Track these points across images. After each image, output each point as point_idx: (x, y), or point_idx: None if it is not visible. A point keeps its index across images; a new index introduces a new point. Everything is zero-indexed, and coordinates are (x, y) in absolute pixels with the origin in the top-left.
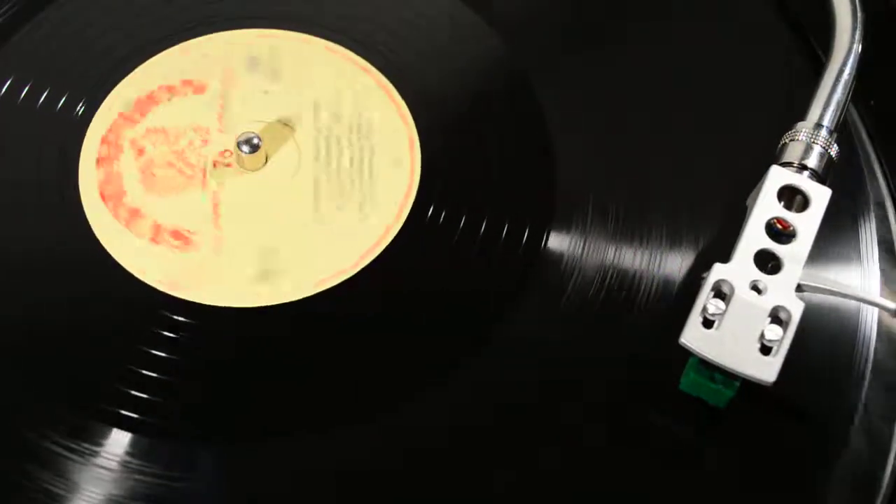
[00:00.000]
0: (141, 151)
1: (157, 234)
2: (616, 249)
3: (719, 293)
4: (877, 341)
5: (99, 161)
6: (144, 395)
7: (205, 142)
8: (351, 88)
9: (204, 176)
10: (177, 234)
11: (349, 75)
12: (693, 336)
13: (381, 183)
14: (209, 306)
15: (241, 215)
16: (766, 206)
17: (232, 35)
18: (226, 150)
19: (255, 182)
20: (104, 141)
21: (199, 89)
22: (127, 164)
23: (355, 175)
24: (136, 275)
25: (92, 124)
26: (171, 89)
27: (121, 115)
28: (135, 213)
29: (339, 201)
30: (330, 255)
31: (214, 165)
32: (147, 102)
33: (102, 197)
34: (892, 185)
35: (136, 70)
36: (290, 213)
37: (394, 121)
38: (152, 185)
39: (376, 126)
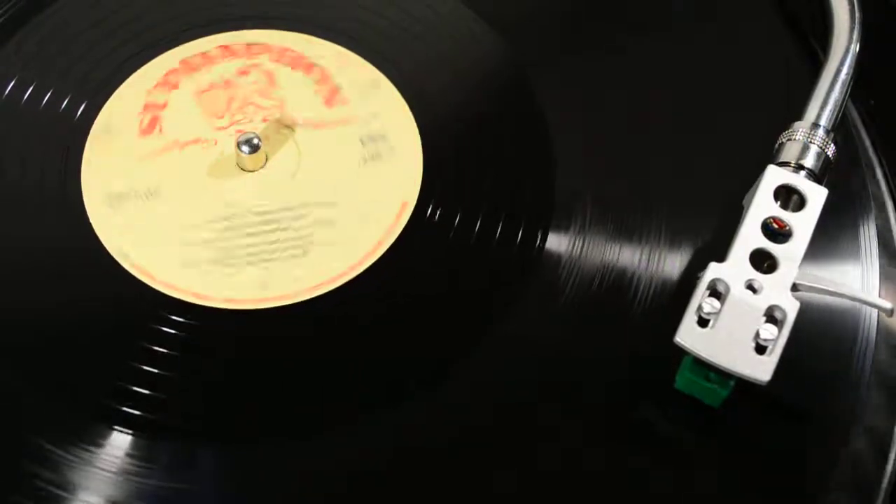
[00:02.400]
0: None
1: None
2: (615, 249)
3: (714, 292)
4: (877, 341)
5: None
6: (144, 396)
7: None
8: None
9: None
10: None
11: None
12: (688, 335)
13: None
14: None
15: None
16: (762, 205)
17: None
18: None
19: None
20: (224, 49)
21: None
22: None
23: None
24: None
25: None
26: (309, 66)
27: (278, 48)
28: (171, 85)
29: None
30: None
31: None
32: (295, 59)
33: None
34: (892, 185)
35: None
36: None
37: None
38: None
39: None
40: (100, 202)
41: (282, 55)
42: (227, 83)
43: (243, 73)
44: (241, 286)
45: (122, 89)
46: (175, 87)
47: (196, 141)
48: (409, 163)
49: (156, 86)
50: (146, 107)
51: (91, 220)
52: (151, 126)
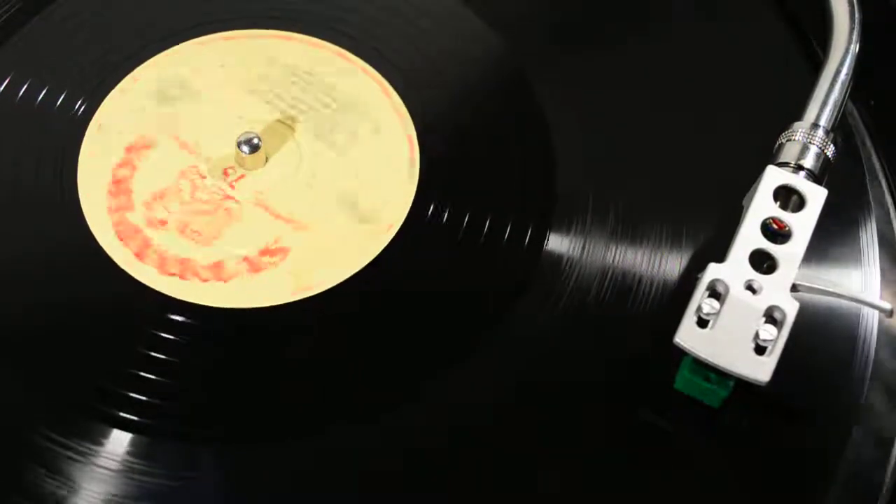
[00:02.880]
0: (163, 223)
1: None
2: (615, 249)
3: (714, 293)
4: (877, 341)
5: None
6: (145, 396)
7: (203, 177)
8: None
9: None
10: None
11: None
12: (687, 335)
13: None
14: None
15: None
16: (761, 206)
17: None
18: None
19: (253, 182)
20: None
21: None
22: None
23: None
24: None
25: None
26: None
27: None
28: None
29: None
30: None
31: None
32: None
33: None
34: (892, 185)
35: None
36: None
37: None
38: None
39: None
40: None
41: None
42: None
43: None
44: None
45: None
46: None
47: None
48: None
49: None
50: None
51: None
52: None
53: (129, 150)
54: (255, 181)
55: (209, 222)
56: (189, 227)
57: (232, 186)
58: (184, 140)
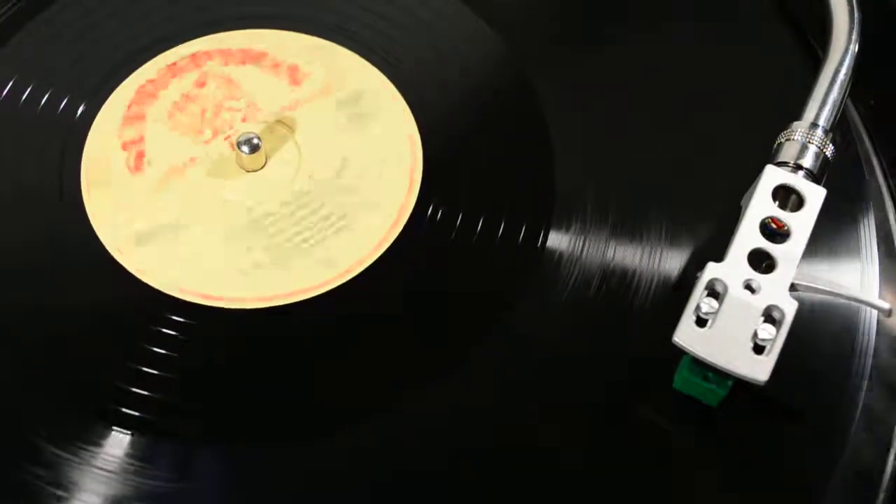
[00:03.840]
0: (202, 84)
1: (131, 144)
2: (615, 248)
3: (713, 292)
4: (877, 341)
5: (169, 67)
6: (145, 396)
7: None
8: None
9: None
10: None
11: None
12: (686, 335)
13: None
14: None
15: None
16: (760, 205)
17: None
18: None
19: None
20: (192, 58)
21: (295, 81)
22: (180, 84)
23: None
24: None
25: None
26: (276, 65)
27: (225, 51)
28: (139, 118)
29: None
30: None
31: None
32: (252, 57)
33: (138, 90)
34: (891, 185)
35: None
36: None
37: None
38: (172, 114)
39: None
40: (127, 242)
41: (228, 56)
42: (189, 98)
43: (200, 84)
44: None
45: (93, 133)
46: (142, 118)
47: (192, 161)
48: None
49: (123, 123)
50: (125, 146)
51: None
52: (139, 162)
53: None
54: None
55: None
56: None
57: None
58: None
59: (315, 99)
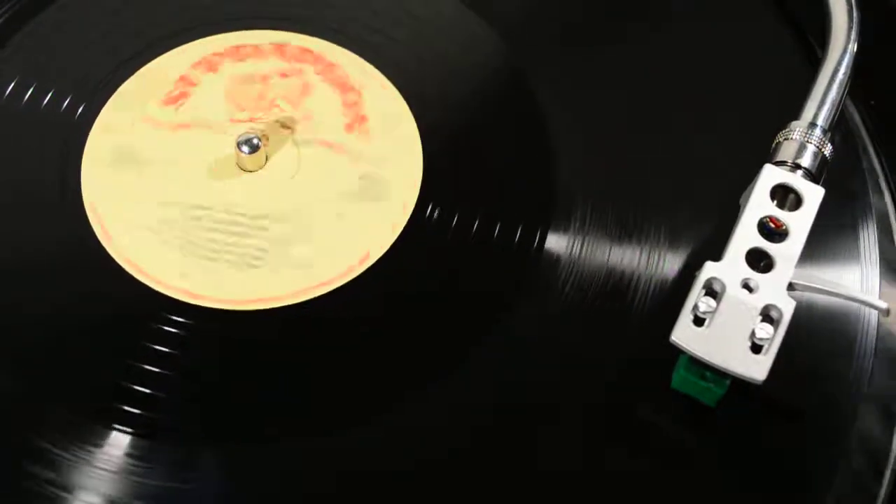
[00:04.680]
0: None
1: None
2: (614, 249)
3: (710, 291)
4: (876, 339)
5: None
6: (144, 396)
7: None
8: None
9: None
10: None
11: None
12: (683, 334)
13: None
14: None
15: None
16: (758, 204)
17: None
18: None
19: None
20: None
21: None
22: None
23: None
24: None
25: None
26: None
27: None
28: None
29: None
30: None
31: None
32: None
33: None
34: (891, 185)
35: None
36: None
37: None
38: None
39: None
40: (103, 162)
41: (328, 71)
42: (264, 79)
43: (284, 75)
44: (240, 286)
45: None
46: (214, 69)
47: (209, 127)
48: (410, 163)
49: (198, 63)
50: (181, 79)
51: (90, 220)
52: (176, 99)
53: None
54: (254, 182)
55: None
56: None
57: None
58: None
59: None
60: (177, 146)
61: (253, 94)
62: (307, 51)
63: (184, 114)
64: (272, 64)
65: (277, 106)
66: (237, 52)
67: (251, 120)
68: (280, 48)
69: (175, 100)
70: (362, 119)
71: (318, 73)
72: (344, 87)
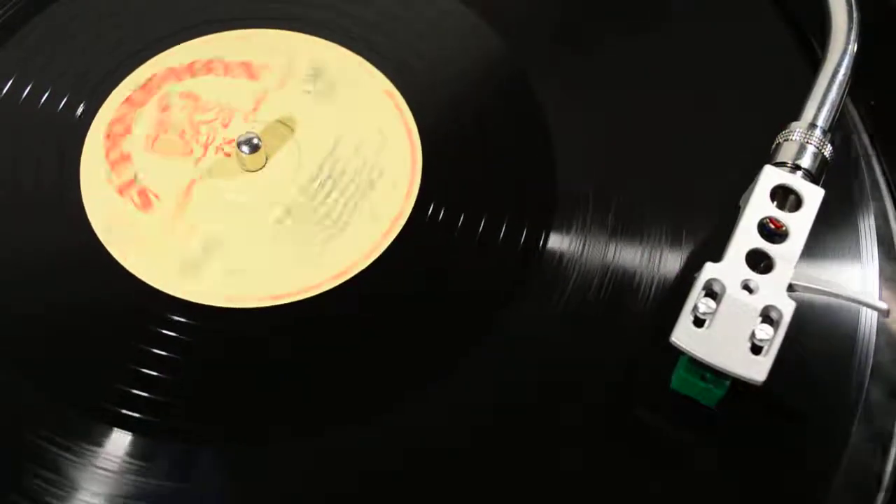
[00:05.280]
0: (165, 108)
1: (127, 186)
2: (615, 249)
3: (710, 292)
4: (877, 341)
5: (126, 101)
6: (145, 396)
7: (225, 125)
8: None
9: (203, 153)
10: (142, 193)
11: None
12: (683, 335)
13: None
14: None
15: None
16: (758, 205)
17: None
18: (231, 141)
19: (253, 182)
20: (143, 87)
21: (253, 76)
22: (147, 113)
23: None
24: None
25: (139, 70)
26: (227, 67)
27: (171, 69)
28: (125, 158)
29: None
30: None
31: (215, 151)
32: (202, 67)
33: (106, 134)
34: (892, 185)
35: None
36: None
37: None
38: (153, 144)
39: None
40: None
41: (179, 73)
42: (161, 123)
43: (165, 109)
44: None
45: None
46: (128, 159)
47: (193, 183)
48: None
49: (113, 167)
50: (121, 189)
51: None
52: (146, 200)
53: None
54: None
55: None
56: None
57: None
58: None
59: (284, 85)
60: (200, 213)
61: (175, 137)
62: (150, 82)
63: (166, 202)
64: (146, 115)
65: (201, 122)
66: (116, 134)
67: (207, 147)
68: (129, 101)
69: (145, 203)
70: (247, 65)
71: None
72: (208, 68)
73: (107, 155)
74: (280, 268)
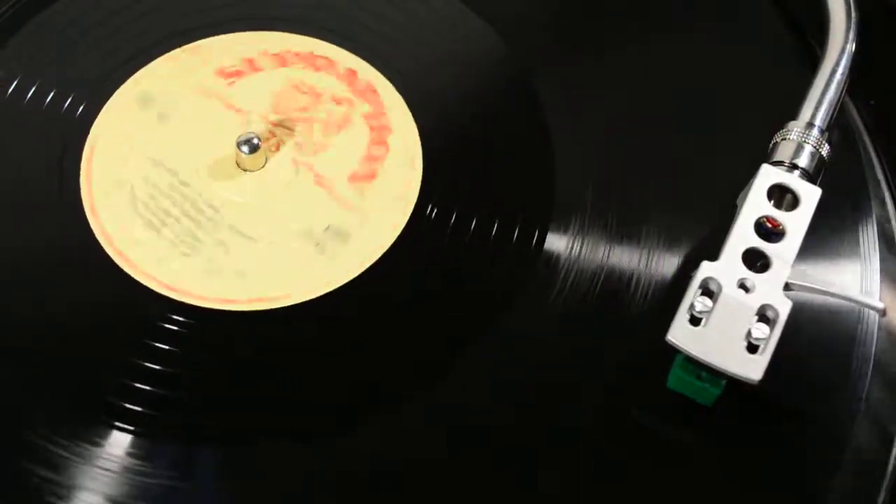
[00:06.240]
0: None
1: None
2: (614, 249)
3: (707, 291)
4: (877, 340)
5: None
6: (145, 395)
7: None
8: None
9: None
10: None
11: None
12: (679, 333)
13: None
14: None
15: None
16: (755, 204)
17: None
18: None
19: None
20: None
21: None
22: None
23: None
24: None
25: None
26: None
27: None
28: None
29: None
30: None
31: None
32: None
33: None
34: (892, 185)
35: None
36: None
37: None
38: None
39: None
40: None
41: (376, 117)
42: (318, 96)
43: (338, 102)
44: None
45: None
46: (285, 64)
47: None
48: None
49: (274, 54)
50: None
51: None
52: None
53: None
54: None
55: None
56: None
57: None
58: None
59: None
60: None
61: (297, 106)
62: (372, 90)
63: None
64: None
65: (310, 124)
66: (312, 60)
67: (277, 126)
68: (352, 74)
69: (230, 75)
70: (371, 175)
71: (363, 115)
72: (380, 131)
73: None
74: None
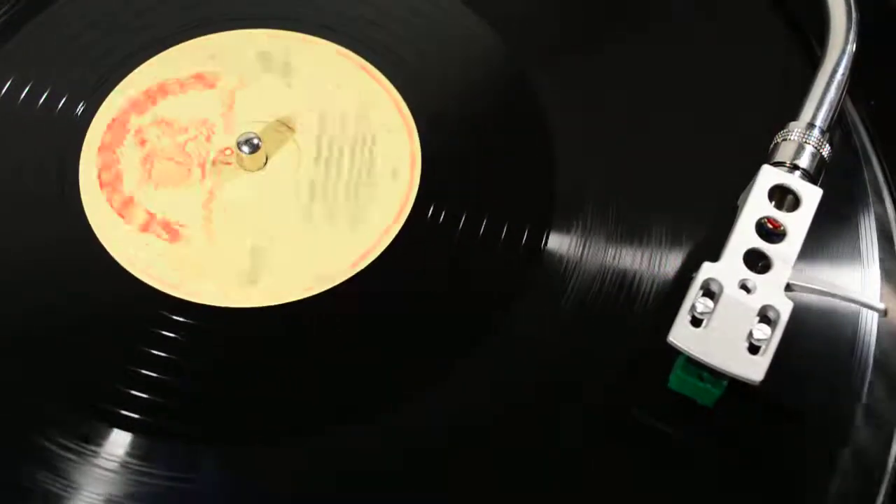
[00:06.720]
0: (143, 142)
1: (148, 223)
2: (615, 250)
3: (708, 292)
4: (877, 339)
5: (101, 148)
6: (145, 395)
7: (208, 138)
8: (353, 88)
9: (202, 172)
10: (166, 226)
11: (352, 75)
12: (681, 334)
13: (381, 183)
14: (210, 306)
15: (235, 214)
16: (756, 205)
17: (239, 35)
18: (227, 149)
19: (254, 182)
20: (109, 128)
21: (210, 85)
22: (129, 152)
23: (356, 175)
24: (136, 274)
25: (99, 111)
26: (181, 84)
27: (131, 101)
28: (128, 202)
29: (339, 201)
30: (331, 255)
31: (214, 163)
32: (157, 93)
33: (100, 183)
34: (892, 185)
35: (137, 69)
36: (288, 214)
37: (394, 121)
38: (150, 176)
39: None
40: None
41: (139, 106)
42: (149, 158)
43: (143, 142)
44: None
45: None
46: (131, 202)
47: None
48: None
49: (121, 212)
50: (144, 228)
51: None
52: (172, 231)
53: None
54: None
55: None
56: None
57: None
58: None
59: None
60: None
61: (170, 167)
62: (114, 121)
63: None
64: (128, 152)
65: (187, 141)
66: (106, 181)
67: (205, 165)
68: (105, 149)
69: (173, 235)
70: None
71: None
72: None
73: (110, 202)
74: (279, 268)
